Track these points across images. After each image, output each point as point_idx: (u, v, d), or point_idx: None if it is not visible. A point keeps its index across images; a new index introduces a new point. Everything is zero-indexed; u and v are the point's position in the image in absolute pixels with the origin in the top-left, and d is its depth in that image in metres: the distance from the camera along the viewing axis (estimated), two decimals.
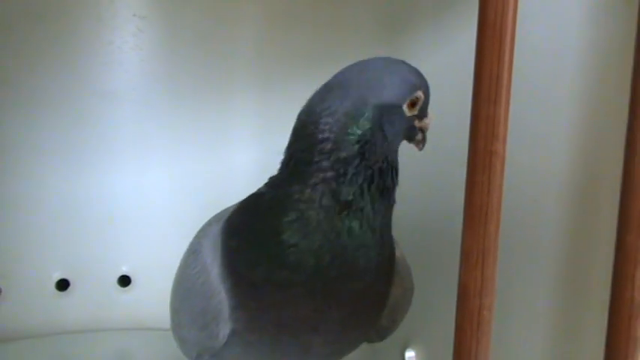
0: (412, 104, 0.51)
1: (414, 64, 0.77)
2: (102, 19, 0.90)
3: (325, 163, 0.48)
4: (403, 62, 0.52)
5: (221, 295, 0.50)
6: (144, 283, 0.96)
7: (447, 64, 0.73)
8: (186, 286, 0.56)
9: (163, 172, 0.95)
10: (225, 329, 0.51)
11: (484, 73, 0.27)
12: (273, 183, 0.52)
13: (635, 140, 0.37)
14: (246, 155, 0.95)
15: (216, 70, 0.93)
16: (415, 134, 0.53)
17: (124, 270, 0.96)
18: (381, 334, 0.58)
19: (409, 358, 0.81)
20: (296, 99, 0.92)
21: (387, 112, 0.49)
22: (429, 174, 0.75)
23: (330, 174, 0.48)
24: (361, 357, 0.76)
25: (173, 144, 0.94)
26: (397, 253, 0.55)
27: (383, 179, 0.49)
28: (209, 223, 0.58)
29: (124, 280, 0.96)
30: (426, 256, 0.75)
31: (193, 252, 0.56)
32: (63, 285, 0.94)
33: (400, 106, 0.50)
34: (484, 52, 0.27)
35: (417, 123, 0.52)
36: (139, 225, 0.95)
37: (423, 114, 0.52)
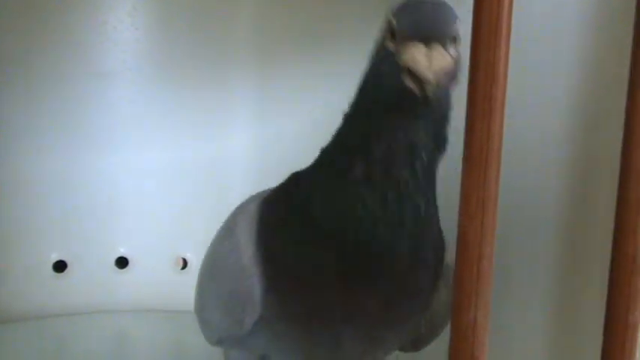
0: (391, 33, 0.42)
1: None
2: None
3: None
4: None
5: (254, 278, 0.47)
6: (141, 265, 0.96)
7: None
8: (215, 265, 0.53)
9: (160, 153, 0.94)
10: (252, 316, 0.47)
11: (483, 18, 0.27)
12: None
13: (636, 95, 0.37)
14: (245, 136, 0.94)
15: (214, 50, 0.93)
16: (403, 75, 0.40)
17: (122, 251, 0.96)
18: (418, 344, 0.54)
19: None
20: (295, 79, 0.92)
21: (375, 47, 0.44)
22: None
23: (340, 131, 0.46)
24: None
25: (170, 125, 0.94)
26: (447, 259, 0.49)
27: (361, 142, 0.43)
28: (247, 201, 0.54)
29: (122, 262, 0.96)
30: None
31: (228, 229, 0.52)
32: (60, 266, 0.94)
33: (383, 39, 0.43)
34: None
35: (398, 56, 0.41)
36: (137, 206, 0.95)
37: (403, 42, 0.40)
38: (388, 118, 0.42)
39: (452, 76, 0.41)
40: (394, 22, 0.42)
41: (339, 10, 0.90)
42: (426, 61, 0.38)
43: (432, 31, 0.39)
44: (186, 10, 0.91)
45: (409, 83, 0.39)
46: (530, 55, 0.52)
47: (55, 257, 0.94)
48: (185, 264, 0.96)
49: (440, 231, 0.48)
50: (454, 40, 0.41)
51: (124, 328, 0.95)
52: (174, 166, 0.95)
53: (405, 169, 0.42)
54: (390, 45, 0.42)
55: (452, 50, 0.40)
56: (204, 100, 0.94)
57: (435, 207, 0.46)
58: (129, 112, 0.93)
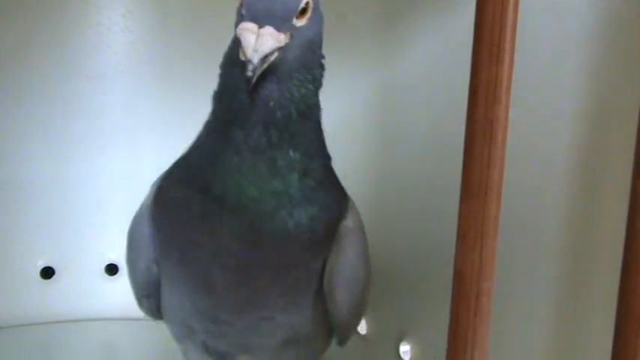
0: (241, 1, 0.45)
1: (411, 46, 0.75)
2: None
3: None
4: None
5: (145, 223, 0.52)
6: None
7: (448, 45, 0.70)
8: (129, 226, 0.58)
9: (153, 157, 0.91)
10: (146, 260, 0.53)
11: (484, 32, 0.24)
12: None
13: None
14: None
15: (208, 52, 0.87)
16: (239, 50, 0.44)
17: (112, 258, 0.94)
18: (333, 322, 0.54)
19: (404, 352, 0.79)
20: None
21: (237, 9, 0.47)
22: (423, 152, 0.73)
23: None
24: (355, 352, 0.74)
25: (163, 129, 0.92)
26: (348, 224, 0.51)
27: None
28: None
29: (111, 269, 0.94)
30: (420, 244, 0.73)
31: None
32: (48, 273, 0.92)
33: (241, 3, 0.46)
34: (485, 6, 0.24)
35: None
36: (128, 211, 0.89)
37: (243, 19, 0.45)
38: (235, 79, 0.46)
39: (294, 53, 0.45)
40: None
41: (335, 12, 0.88)
42: (255, 41, 0.42)
43: (268, 12, 0.43)
44: (181, 12, 0.89)
45: (242, 57, 0.43)
46: (534, 71, 0.49)
47: (42, 263, 0.91)
48: None
49: (334, 191, 0.51)
50: (302, 12, 0.45)
51: (113, 337, 0.93)
52: None
53: (256, 124, 0.46)
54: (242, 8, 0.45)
55: (294, 25, 0.45)
56: (199, 103, 0.90)
57: (323, 166, 0.50)
58: (121, 116, 0.91)
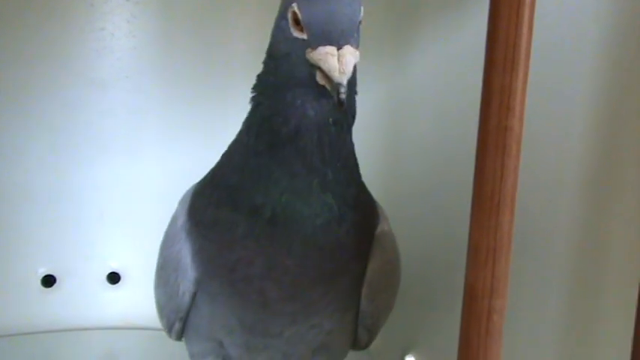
0: (295, 20, 0.44)
1: (421, 52, 0.74)
2: (94, 4, 0.87)
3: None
4: None
5: (182, 243, 0.51)
6: (134, 281, 0.93)
7: (458, 52, 0.69)
8: (161, 245, 0.56)
9: (156, 164, 0.92)
10: (185, 281, 0.51)
11: (499, 36, 0.23)
12: None
13: None
14: None
15: (212, 58, 0.90)
16: (314, 70, 0.44)
17: (114, 266, 0.93)
18: (365, 324, 0.54)
19: None
20: None
21: (278, 20, 0.47)
22: (433, 159, 0.71)
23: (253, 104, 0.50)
24: None
25: (167, 135, 0.91)
26: (384, 228, 0.52)
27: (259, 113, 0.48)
28: None
29: (113, 277, 0.93)
30: (427, 254, 0.72)
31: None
32: (49, 281, 0.91)
33: (284, 17, 0.45)
34: (499, 9, 0.23)
35: (308, 52, 0.43)
36: (130, 219, 0.92)
37: (313, 42, 0.43)
38: (296, 97, 0.45)
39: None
40: (299, 14, 0.43)
41: None
42: (338, 64, 0.41)
43: (342, 31, 0.42)
44: (185, 17, 0.89)
45: (322, 81, 0.43)
46: (542, 78, 0.48)
47: (43, 271, 0.91)
48: None
49: (367, 195, 0.52)
50: (360, 23, 0.44)
51: (115, 347, 0.92)
52: (171, 177, 0.91)
53: (312, 143, 0.46)
54: (296, 32, 0.44)
55: (358, 37, 0.44)
56: (203, 109, 0.92)
57: (357, 174, 0.50)
58: (124, 122, 0.90)
